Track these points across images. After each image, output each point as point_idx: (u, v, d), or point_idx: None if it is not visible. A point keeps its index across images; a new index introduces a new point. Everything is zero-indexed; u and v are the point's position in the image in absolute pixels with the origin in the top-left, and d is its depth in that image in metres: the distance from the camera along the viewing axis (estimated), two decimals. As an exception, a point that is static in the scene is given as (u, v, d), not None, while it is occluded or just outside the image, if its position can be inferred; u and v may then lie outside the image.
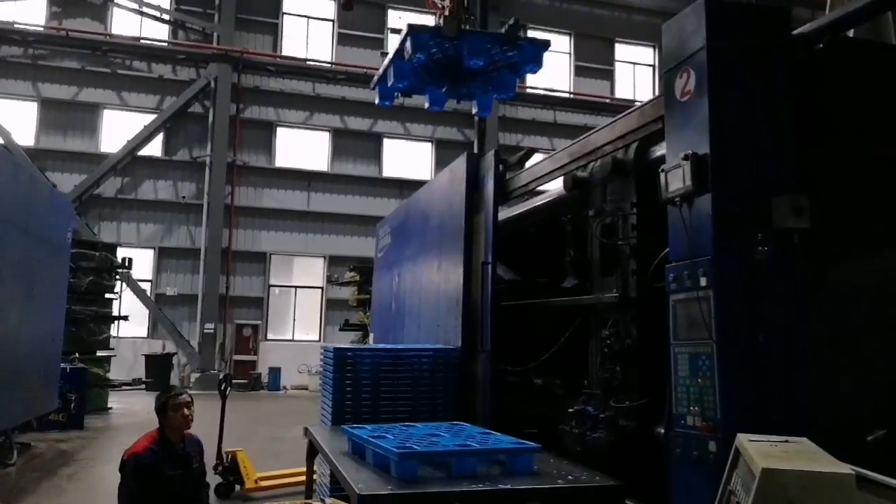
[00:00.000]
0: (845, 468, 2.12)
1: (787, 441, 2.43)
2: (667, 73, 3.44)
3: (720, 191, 3.09)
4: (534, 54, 4.44)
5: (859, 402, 3.15)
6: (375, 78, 4.87)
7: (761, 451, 2.26)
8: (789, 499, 2.04)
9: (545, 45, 4.51)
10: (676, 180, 3.21)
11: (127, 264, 16.37)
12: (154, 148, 21.72)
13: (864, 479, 2.19)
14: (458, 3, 4.69)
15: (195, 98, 21.75)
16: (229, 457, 7.61)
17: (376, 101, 4.96)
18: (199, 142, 21.79)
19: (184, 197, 21.57)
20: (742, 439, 2.45)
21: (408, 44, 4.24)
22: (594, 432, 4.13)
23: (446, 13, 4.60)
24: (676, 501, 3.22)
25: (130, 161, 21.24)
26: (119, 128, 21.28)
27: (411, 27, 4.29)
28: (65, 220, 10.85)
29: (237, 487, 7.55)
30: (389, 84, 4.65)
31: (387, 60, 4.59)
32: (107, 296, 15.48)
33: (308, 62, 22.89)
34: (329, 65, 23.08)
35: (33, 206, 8.93)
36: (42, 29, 20.94)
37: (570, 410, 4.38)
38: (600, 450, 4.04)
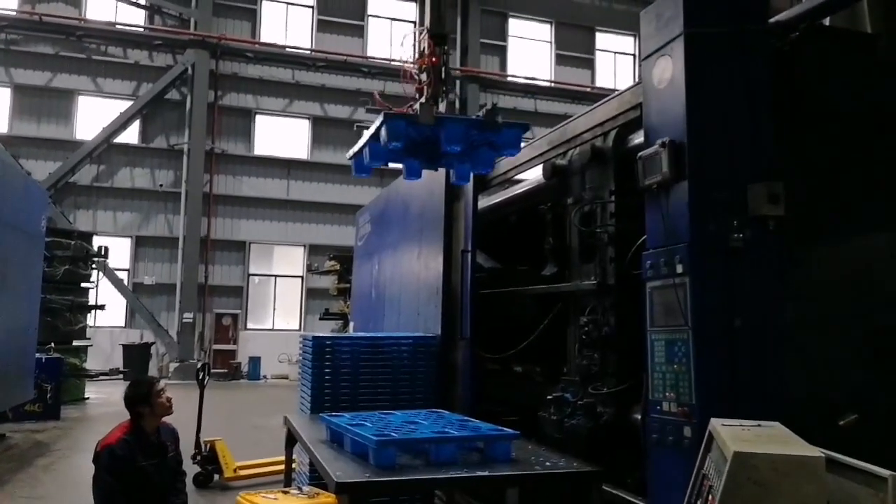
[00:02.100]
0: (815, 451, 2.15)
1: (759, 426, 2.46)
2: (644, 61, 3.45)
3: (697, 178, 3.11)
4: (512, 138, 4.50)
5: (832, 387, 3.20)
6: (351, 152, 4.93)
7: (734, 435, 2.29)
8: (760, 481, 2.07)
9: (524, 128, 4.59)
10: (654, 167, 3.22)
11: (103, 253, 16.16)
12: (130, 135, 21.40)
13: (834, 461, 2.23)
14: (437, 84, 4.72)
15: (172, 85, 21.44)
16: (208, 446, 7.57)
17: (353, 174, 5.02)
18: (177, 129, 21.50)
19: (161, 185, 21.31)
20: (715, 424, 2.48)
21: (383, 131, 4.26)
22: (572, 419, 4.16)
23: (422, 98, 4.62)
24: (652, 486, 3.26)
25: (106, 148, 20.92)
26: (94, 115, 20.93)
27: (387, 115, 4.32)
28: (39, 208, 10.68)
29: (216, 477, 7.51)
30: (365, 163, 4.68)
31: (363, 140, 4.63)
32: (83, 285, 15.28)
33: (287, 49, 22.65)
34: (308, 51, 22.86)
35: (6, 193, 8.77)
36: (15, 13, 20.48)
37: (549, 397, 4.40)
38: (578, 436, 4.07)
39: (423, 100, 4.55)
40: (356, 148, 4.85)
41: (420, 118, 4.22)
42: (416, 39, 4.95)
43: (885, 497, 2.03)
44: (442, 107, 4.79)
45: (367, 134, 4.55)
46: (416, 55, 4.87)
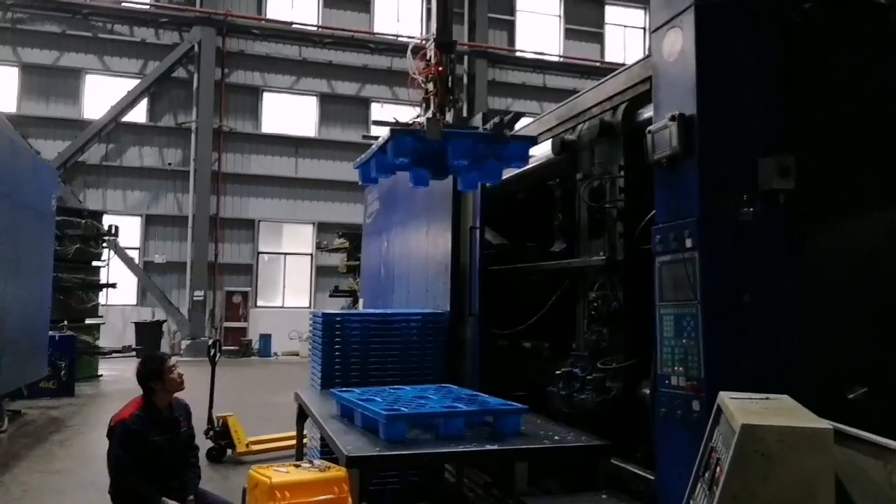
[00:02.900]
0: (823, 423, 2.16)
1: (767, 398, 2.46)
2: (654, 33, 3.40)
3: (707, 152, 3.08)
4: (520, 151, 4.44)
5: (840, 360, 3.19)
6: (358, 162, 4.89)
7: (742, 408, 2.30)
8: (767, 453, 2.08)
9: (532, 141, 4.53)
10: (663, 141, 3.20)
11: (114, 232, 16.24)
12: (138, 114, 21.39)
13: (843, 434, 2.23)
14: (444, 94, 4.65)
15: (179, 62, 21.37)
16: (220, 422, 7.66)
17: (360, 182, 4.99)
18: (184, 107, 21.47)
19: (170, 164, 21.33)
20: (724, 397, 2.48)
21: (389, 146, 4.23)
22: (581, 394, 4.18)
23: (429, 112, 4.56)
24: (661, 459, 3.28)
25: (114, 127, 20.93)
26: (102, 93, 20.92)
27: (393, 131, 4.29)
28: (49, 188, 10.72)
29: (228, 451, 7.61)
30: (372, 175, 4.65)
31: (369, 153, 4.58)
32: (94, 264, 15.38)
33: (294, 25, 22.49)
34: (315, 28, 22.69)
35: (17, 173, 8.81)
36: (21, -8, 20.44)
37: (558, 372, 4.42)
38: (587, 411, 4.09)
39: (429, 114, 4.48)
40: (363, 159, 4.83)
41: (427, 134, 4.18)
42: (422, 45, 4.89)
43: (892, 469, 2.03)
44: (449, 116, 4.74)
45: (373, 147, 4.54)
46: (422, 64, 4.81)
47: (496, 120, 4.39)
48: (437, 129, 4.20)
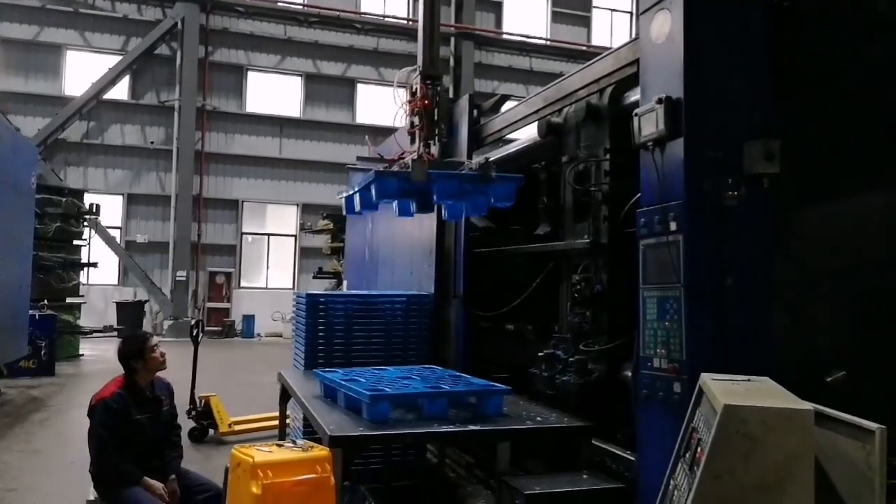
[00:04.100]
0: (804, 405, 2.18)
1: (749, 380, 2.49)
2: (643, 15, 3.39)
3: (693, 135, 3.08)
4: (506, 192, 4.42)
5: (821, 344, 3.23)
6: (342, 195, 4.87)
7: (724, 389, 2.32)
8: (749, 434, 2.10)
9: (518, 181, 4.49)
10: (649, 124, 3.19)
11: (95, 211, 16.06)
12: (120, 91, 21.07)
13: (823, 415, 2.26)
14: (430, 127, 4.62)
15: (162, 39, 21.05)
16: (202, 402, 7.64)
17: (343, 212, 4.96)
18: (167, 85, 21.17)
19: (152, 142, 21.07)
20: (706, 378, 2.50)
21: (373, 188, 4.20)
22: (564, 375, 4.20)
23: (414, 152, 4.51)
24: (642, 440, 3.31)
25: (96, 105, 20.61)
26: (83, 70, 20.58)
27: (378, 174, 4.28)
28: (29, 165, 10.55)
29: (211, 432, 7.60)
30: (356, 209, 4.63)
31: (354, 189, 4.56)
32: (75, 242, 15.21)
33: (279, 3, 22.20)
34: (301, 6, 22.41)
35: (-6, 149, 8.66)
36: (-2, -36, 19.99)
37: (541, 354, 4.44)
38: (569, 392, 4.11)
39: (414, 154, 4.44)
40: (347, 193, 4.80)
41: (412, 176, 4.15)
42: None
43: (871, 449, 2.06)
44: (435, 150, 4.72)
45: (358, 184, 4.51)
46: (409, 95, 4.78)
47: (481, 160, 4.37)
48: (422, 171, 4.17)
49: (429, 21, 4.86)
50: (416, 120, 4.65)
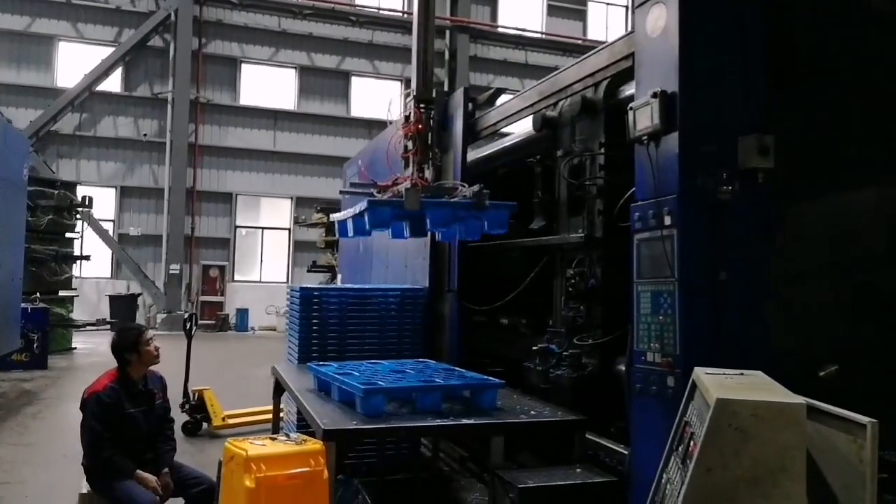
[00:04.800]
0: (796, 398, 2.19)
1: (742, 374, 2.49)
2: (638, 8, 3.38)
3: (688, 129, 3.07)
4: (500, 220, 4.43)
5: (814, 339, 3.24)
6: (335, 218, 4.86)
7: (717, 382, 2.32)
8: (741, 427, 2.11)
9: (511, 209, 4.50)
10: (644, 118, 3.19)
11: (88, 203, 15.98)
12: (113, 83, 20.97)
13: (815, 409, 2.27)
14: (423, 152, 4.68)
15: (155, 31, 20.94)
16: (196, 395, 7.63)
17: (336, 235, 4.94)
18: (161, 77, 21.07)
19: (145, 135, 20.98)
20: (699, 372, 2.51)
21: (366, 216, 4.22)
22: (557, 369, 4.20)
23: (408, 179, 4.52)
24: (635, 434, 3.31)
25: (88, 96, 20.51)
26: (75, 61, 20.47)
27: (371, 202, 4.27)
28: (21, 157, 10.48)
29: (204, 425, 7.59)
30: (349, 234, 4.67)
31: (347, 215, 4.58)
32: (67, 235, 15.14)
33: (273, -5, 22.13)
34: (295, -2, 22.35)
35: (-14, 140, 8.60)
36: (-10, -46, 19.83)
37: (535, 348, 4.44)
38: (563, 386, 4.12)
39: (408, 182, 4.43)
40: (340, 217, 4.81)
41: (406, 205, 4.15)
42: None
43: (862, 443, 2.07)
44: (428, 174, 4.75)
45: (351, 210, 4.50)
46: (402, 120, 4.80)
47: (475, 188, 4.36)
48: (415, 200, 4.17)
49: (423, 45, 4.90)
50: (410, 144, 4.67)
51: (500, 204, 4.44)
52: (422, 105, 4.77)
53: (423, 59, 4.92)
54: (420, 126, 4.68)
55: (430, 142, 4.76)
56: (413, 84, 4.85)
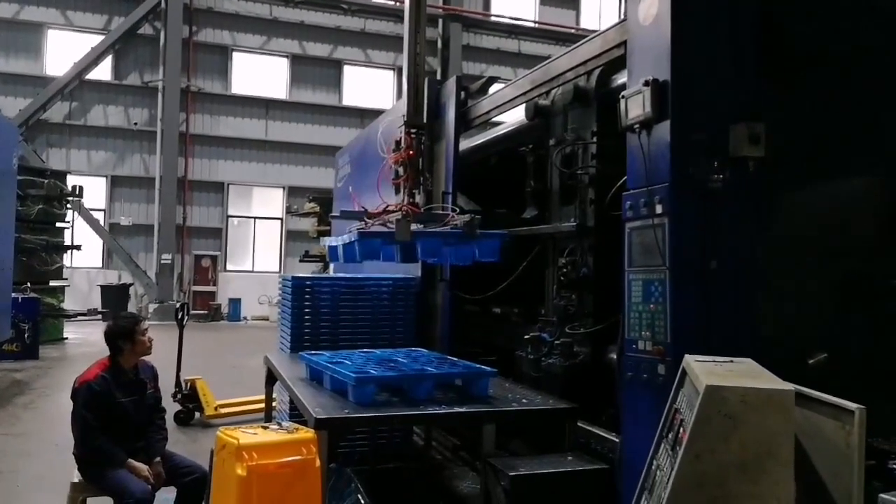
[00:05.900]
0: (785, 385, 2.20)
1: (732, 362, 2.50)
2: (631, -4, 3.37)
3: (679, 118, 3.07)
4: (491, 249, 4.41)
5: (803, 327, 3.26)
6: (326, 243, 4.85)
7: (707, 370, 2.33)
8: (730, 413, 2.12)
9: (502, 238, 4.49)
10: (636, 106, 3.18)
11: (78, 192, 15.89)
12: (103, 71, 20.80)
13: (803, 396, 2.28)
14: (414, 177, 4.70)
15: (145, 19, 20.76)
16: (188, 385, 7.62)
17: (327, 258, 4.93)
18: (151, 66, 20.92)
19: (136, 123, 20.84)
20: (689, 360, 2.52)
21: (357, 247, 4.21)
22: (549, 358, 4.22)
23: (401, 209, 4.49)
24: (626, 421, 3.33)
25: (78, 85, 20.35)
26: (65, 49, 20.29)
27: (361, 233, 4.24)
28: (10, 146, 10.41)
29: (196, 415, 7.59)
30: (339, 260, 4.67)
31: (338, 242, 4.58)
32: (58, 225, 15.07)
33: (265, -17, 21.96)
34: (287, -14, 22.19)
35: (-26, 129, 8.53)
36: (-23, -60, 19.59)
37: (527, 337, 4.45)
38: (555, 375, 4.14)
39: (398, 214, 4.40)
40: (330, 243, 4.81)
41: (397, 237, 4.13)
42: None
43: (850, 429, 2.09)
44: (419, 198, 4.71)
45: (342, 238, 4.48)
46: (394, 146, 4.80)
47: (466, 218, 4.35)
48: (406, 231, 4.15)
49: (413, 68, 4.87)
50: (401, 170, 4.65)
51: (491, 233, 4.44)
52: (412, 130, 4.76)
53: (415, 83, 4.95)
54: (411, 152, 4.68)
55: (420, 167, 4.76)
56: (405, 107, 4.83)
